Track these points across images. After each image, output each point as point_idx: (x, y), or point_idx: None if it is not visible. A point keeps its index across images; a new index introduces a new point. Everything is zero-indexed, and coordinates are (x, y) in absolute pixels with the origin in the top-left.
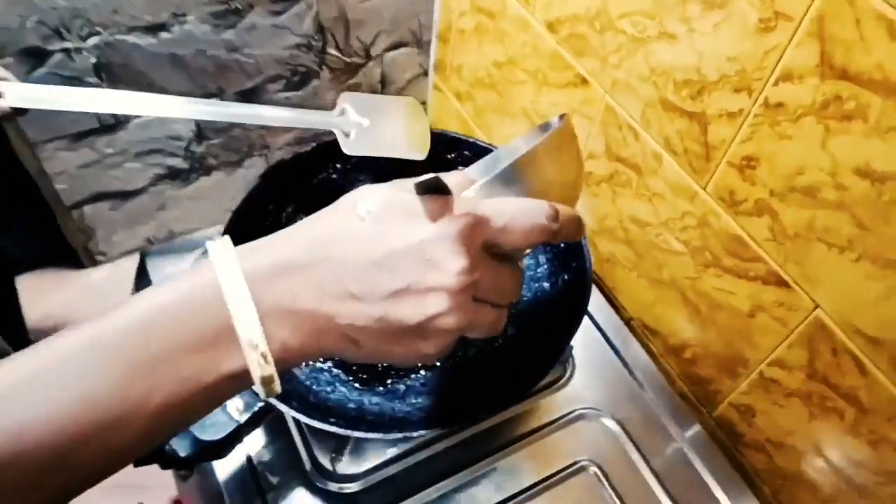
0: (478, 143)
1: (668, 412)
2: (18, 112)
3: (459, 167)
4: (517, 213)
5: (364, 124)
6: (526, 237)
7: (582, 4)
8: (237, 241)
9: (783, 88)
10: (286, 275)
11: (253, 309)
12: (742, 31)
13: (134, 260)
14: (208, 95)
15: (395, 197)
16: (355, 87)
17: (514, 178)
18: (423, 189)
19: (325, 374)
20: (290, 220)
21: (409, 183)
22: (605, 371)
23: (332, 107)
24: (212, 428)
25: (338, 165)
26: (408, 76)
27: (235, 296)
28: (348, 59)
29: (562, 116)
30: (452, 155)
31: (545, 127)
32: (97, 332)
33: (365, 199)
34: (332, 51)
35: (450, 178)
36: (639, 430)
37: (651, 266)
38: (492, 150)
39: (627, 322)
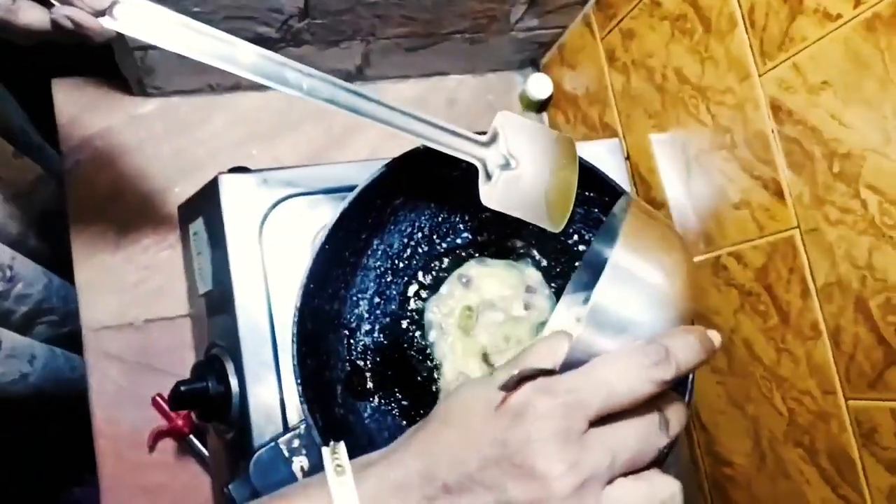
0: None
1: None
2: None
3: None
4: (616, 376)
5: (512, 165)
6: (637, 398)
7: (834, 130)
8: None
9: None
10: (396, 496)
11: None
12: None
13: (188, 103)
14: None
15: (480, 395)
16: None
17: (612, 307)
18: (507, 388)
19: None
20: (395, 215)
21: (502, 373)
22: None
23: (467, 15)
24: (274, 485)
25: (464, 165)
26: (561, 2)
27: None
28: None
29: (626, 200)
30: (590, 194)
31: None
32: None
33: (454, 399)
34: None
35: (540, 351)
36: None
37: (738, 391)
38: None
39: None
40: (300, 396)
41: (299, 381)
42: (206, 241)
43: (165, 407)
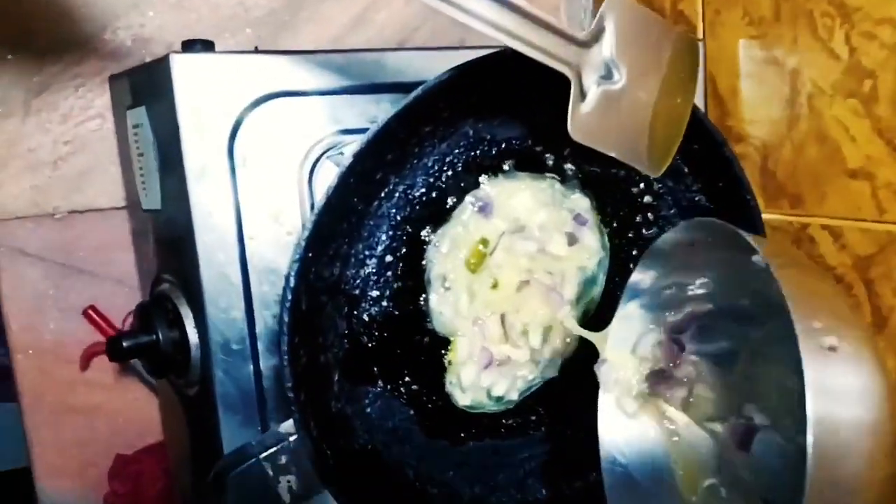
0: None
1: None
2: None
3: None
4: None
5: (615, 76)
6: None
7: None
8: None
9: None
10: None
11: None
12: None
13: None
14: None
15: None
16: None
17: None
18: None
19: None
20: (421, 146)
21: None
22: None
23: None
24: None
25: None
26: None
27: None
28: None
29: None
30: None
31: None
32: None
33: None
34: None
35: None
36: None
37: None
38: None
39: None
40: (292, 404)
41: (290, 383)
42: (153, 142)
43: (101, 321)
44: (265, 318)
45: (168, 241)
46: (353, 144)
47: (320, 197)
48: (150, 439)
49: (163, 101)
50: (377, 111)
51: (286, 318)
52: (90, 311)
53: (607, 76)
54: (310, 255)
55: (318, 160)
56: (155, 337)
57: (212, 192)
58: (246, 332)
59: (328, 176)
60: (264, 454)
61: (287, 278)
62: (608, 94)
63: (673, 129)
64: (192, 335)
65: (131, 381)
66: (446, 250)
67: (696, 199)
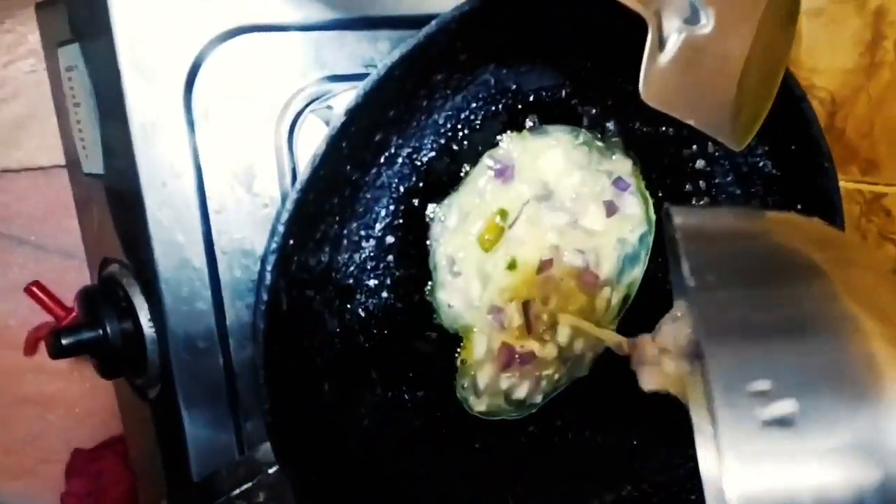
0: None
1: None
2: None
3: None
4: None
5: (701, 19)
6: None
7: None
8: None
9: None
10: None
11: None
12: None
13: None
14: None
15: None
16: None
17: None
18: None
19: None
20: (431, 98)
21: None
22: None
23: None
24: None
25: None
26: None
27: None
28: None
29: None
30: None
31: None
32: None
33: None
34: None
35: None
36: None
37: None
38: None
39: None
40: (269, 433)
41: (268, 405)
42: (90, 90)
43: (47, 300)
44: (237, 310)
45: (115, 214)
46: (346, 96)
47: (304, 165)
48: (111, 432)
49: (100, 37)
50: (374, 53)
51: (262, 325)
52: (33, 288)
53: (692, 20)
54: (291, 242)
55: (299, 114)
56: (101, 332)
57: (165, 153)
58: (213, 326)
59: (313, 134)
60: (237, 491)
61: (261, 273)
62: (692, 44)
63: (764, 91)
64: (148, 329)
65: (88, 366)
66: (454, 224)
67: (760, 164)
